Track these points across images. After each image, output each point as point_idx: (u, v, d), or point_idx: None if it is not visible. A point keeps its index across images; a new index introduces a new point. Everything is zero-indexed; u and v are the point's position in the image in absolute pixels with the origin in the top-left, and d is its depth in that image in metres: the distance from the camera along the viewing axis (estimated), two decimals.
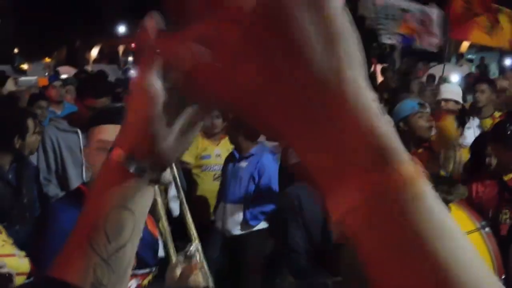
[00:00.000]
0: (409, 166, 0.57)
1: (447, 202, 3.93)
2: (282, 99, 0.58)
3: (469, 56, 16.19)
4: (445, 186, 3.93)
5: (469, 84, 8.61)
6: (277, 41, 0.58)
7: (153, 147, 0.84)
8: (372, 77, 11.85)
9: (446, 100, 6.41)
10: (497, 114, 6.78)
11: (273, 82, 0.58)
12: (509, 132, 4.89)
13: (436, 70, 13.37)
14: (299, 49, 0.57)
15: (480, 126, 6.55)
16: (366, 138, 0.57)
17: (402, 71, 13.64)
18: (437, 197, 0.58)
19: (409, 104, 5.51)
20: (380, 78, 13.05)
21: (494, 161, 5.00)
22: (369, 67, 13.84)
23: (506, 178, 4.84)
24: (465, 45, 18.06)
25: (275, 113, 0.59)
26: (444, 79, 8.24)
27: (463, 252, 0.56)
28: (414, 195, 0.56)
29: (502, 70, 15.20)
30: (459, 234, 0.57)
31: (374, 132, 0.57)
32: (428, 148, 5.27)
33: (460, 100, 6.54)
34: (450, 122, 5.23)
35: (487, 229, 3.91)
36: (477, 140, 5.45)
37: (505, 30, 8.61)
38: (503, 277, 3.79)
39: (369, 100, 0.58)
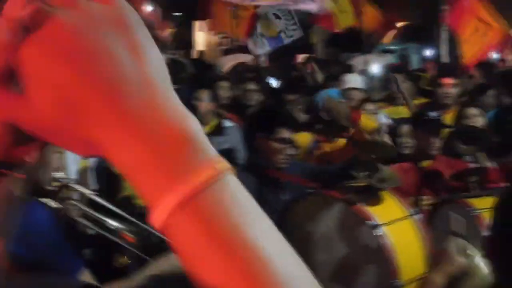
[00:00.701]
0: (216, 162, 0.61)
1: (379, 190, 3.93)
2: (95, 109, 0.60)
3: (392, 47, 16.39)
4: (377, 174, 3.93)
5: (389, 74, 8.63)
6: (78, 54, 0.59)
7: None
8: (295, 67, 11.82)
9: (349, 89, 6.50)
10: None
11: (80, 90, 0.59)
12: (427, 118, 4.95)
13: (357, 61, 13.48)
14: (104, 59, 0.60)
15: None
16: (177, 139, 0.60)
17: (326, 62, 13.68)
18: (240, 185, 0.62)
19: (331, 94, 5.56)
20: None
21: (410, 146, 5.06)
22: (292, 59, 13.81)
23: (424, 164, 4.87)
24: (388, 36, 18.26)
25: (88, 125, 0.60)
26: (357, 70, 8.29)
27: (271, 241, 0.60)
28: (218, 190, 0.60)
29: (423, 61, 15.43)
30: (266, 224, 0.61)
31: (184, 131, 0.61)
32: (351, 138, 5.27)
33: (363, 88, 6.68)
34: (367, 118, 5.28)
35: (418, 215, 3.93)
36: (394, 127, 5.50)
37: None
38: None
39: (176, 100, 0.62)
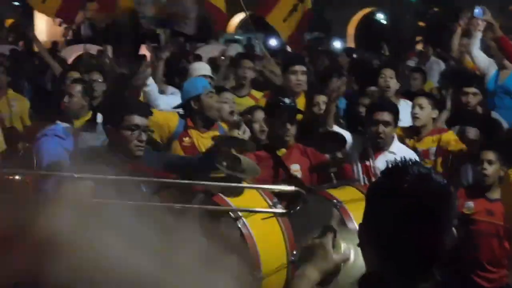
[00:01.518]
0: None
1: (240, 180, 3.89)
2: None
3: (237, 37, 16.54)
4: (238, 164, 3.88)
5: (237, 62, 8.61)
6: None
7: None
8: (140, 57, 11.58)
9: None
10: (256, 93, 6.86)
11: None
12: (281, 104, 4.94)
13: (202, 50, 13.46)
14: None
15: None
16: None
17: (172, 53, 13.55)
18: None
19: (200, 83, 5.45)
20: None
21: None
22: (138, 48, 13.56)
23: (280, 153, 4.87)
24: (232, 25, 18.46)
25: None
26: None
27: None
28: None
29: (268, 51, 15.67)
30: None
31: None
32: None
33: (211, 75, 6.67)
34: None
35: (278, 206, 3.91)
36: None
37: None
38: (294, 252, 3.78)
39: None
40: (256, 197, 3.95)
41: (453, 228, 1.77)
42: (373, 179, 4.78)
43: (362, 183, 4.84)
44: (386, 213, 1.71)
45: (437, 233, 1.69)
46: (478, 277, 4.85)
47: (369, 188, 1.82)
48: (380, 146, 4.95)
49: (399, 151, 4.88)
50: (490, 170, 4.82)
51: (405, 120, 5.47)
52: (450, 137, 5.52)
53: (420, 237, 1.68)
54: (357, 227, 1.82)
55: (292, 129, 4.87)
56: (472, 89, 5.88)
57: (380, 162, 4.82)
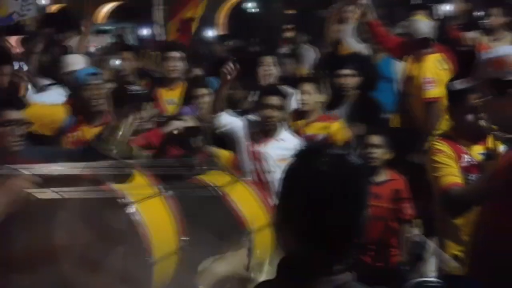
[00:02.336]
0: None
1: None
2: None
3: (106, 27, 16.20)
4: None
5: (111, 53, 8.47)
6: None
7: None
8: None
9: None
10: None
11: None
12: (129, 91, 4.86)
13: (73, 41, 13.07)
14: None
15: None
16: None
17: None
18: None
19: (84, 72, 5.35)
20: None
21: None
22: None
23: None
24: (101, 15, 18.06)
25: None
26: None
27: None
28: None
29: (139, 40, 15.49)
30: None
31: None
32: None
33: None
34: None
35: (168, 192, 3.89)
36: None
37: None
38: (183, 238, 3.81)
39: None
40: (145, 184, 3.93)
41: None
42: (261, 165, 4.87)
43: (251, 169, 4.92)
44: (303, 194, 1.71)
45: (353, 214, 1.72)
46: (367, 258, 4.99)
47: (285, 170, 1.80)
48: (270, 132, 5.02)
49: (288, 139, 4.99)
50: (377, 153, 4.99)
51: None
52: (339, 127, 5.65)
53: (336, 218, 1.69)
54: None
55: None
56: (347, 71, 6.01)
57: (270, 149, 4.90)
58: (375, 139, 5.00)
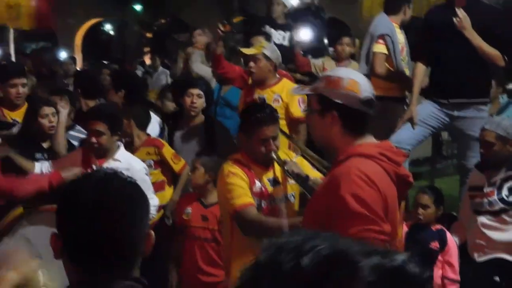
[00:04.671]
0: None
1: None
2: None
3: None
4: None
5: None
6: None
7: None
8: None
9: None
10: None
11: None
12: None
13: None
14: None
15: None
16: None
17: None
18: None
19: None
20: None
21: None
22: None
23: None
24: None
25: None
26: None
27: None
28: None
29: None
30: None
31: None
32: None
33: None
34: None
35: None
36: None
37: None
38: None
39: None
40: None
41: (149, 231, 1.82)
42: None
43: None
44: (72, 213, 1.74)
45: (122, 233, 1.73)
46: (200, 278, 4.96)
47: (60, 198, 1.81)
48: (102, 154, 4.89)
49: (124, 158, 4.88)
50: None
51: None
52: (167, 149, 5.68)
53: (103, 236, 1.71)
54: None
55: None
56: (197, 90, 5.97)
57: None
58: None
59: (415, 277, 0.98)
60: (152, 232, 1.82)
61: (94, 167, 4.80)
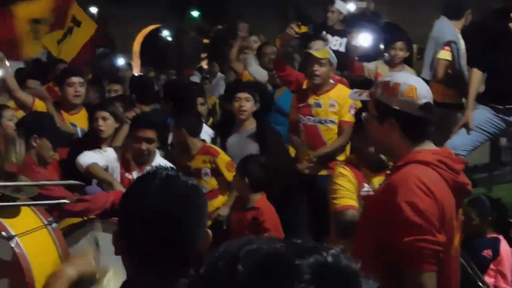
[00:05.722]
0: None
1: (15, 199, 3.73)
2: None
3: None
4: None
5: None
6: None
7: None
8: None
9: None
10: None
11: None
12: None
13: None
14: None
15: None
16: None
17: None
18: None
19: None
20: None
21: None
22: None
23: None
24: None
25: None
26: None
27: None
28: None
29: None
30: None
31: None
32: None
33: None
34: None
35: (54, 225, 3.81)
36: None
37: None
38: None
39: None
40: (30, 216, 3.83)
41: (206, 230, 1.84)
42: None
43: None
44: (135, 217, 1.77)
45: (182, 236, 1.76)
46: None
47: (123, 194, 1.87)
48: (144, 160, 4.98)
49: (164, 165, 4.94)
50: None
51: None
52: (223, 158, 5.63)
53: (165, 240, 1.74)
54: None
55: None
56: (245, 94, 5.95)
57: None
58: None
59: (346, 268, 1.02)
60: (210, 232, 1.86)
61: (134, 174, 4.89)
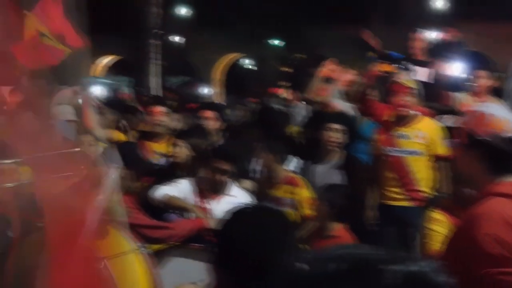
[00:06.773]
0: None
1: None
2: None
3: (104, 80, 16.45)
4: None
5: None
6: None
7: None
8: None
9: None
10: None
11: None
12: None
13: (64, 93, 13.08)
14: None
15: None
16: None
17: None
18: None
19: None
20: None
21: None
22: None
23: None
24: (98, 69, 18.24)
25: None
26: None
27: None
28: None
29: (134, 93, 15.66)
30: None
31: None
32: None
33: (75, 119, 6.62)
34: None
35: (143, 249, 3.83)
36: None
37: None
38: None
39: None
40: (120, 239, 3.88)
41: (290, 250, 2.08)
42: (212, 220, 4.74)
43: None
44: (230, 251, 2.09)
45: (272, 259, 2.04)
46: None
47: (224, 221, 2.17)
48: (220, 189, 5.02)
49: (238, 194, 4.99)
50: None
51: None
52: (305, 191, 5.56)
53: (259, 260, 2.05)
54: None
55: None
56: (337, 125, 5.97)
57: (222, 205, 4.83)
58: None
59: (439, 285, 1.07)
60: None
61: (209, 202, 4.95)
